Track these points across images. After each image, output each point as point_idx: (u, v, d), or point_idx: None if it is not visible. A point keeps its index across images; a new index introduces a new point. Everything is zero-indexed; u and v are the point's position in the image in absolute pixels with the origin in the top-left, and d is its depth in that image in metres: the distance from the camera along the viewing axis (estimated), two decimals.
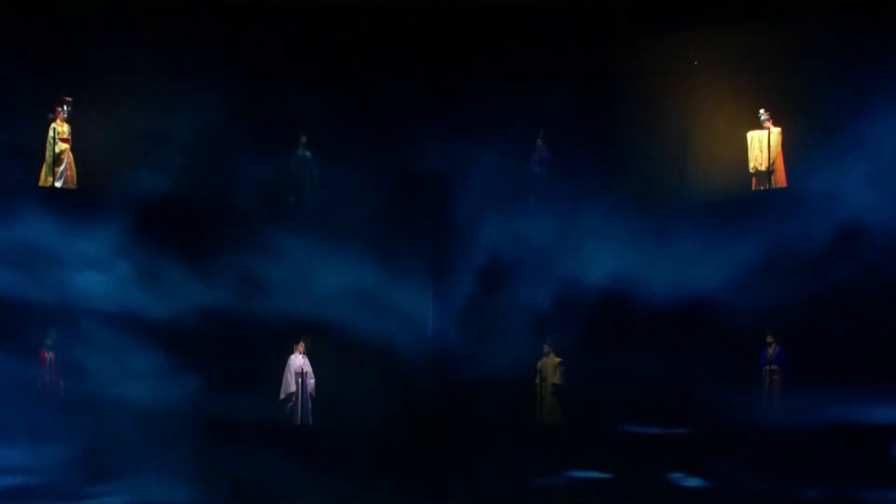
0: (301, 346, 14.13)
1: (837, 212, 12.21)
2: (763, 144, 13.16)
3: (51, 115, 13.06)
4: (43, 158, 13.12)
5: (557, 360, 14.11)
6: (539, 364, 14.22)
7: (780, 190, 13.15)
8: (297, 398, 14.04)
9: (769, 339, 12.89)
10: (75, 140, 13.26)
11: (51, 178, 13.13)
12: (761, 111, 13.14)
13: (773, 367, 12.90)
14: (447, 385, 14.72)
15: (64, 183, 13.22)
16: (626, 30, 13.84)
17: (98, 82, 13.25)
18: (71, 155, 13.28)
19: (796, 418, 12.55)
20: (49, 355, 12.95)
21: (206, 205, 13.99)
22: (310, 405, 14.12)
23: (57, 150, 13.13)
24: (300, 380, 14.07)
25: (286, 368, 14.12)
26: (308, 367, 14.14)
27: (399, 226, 14.81)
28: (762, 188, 13.27)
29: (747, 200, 13.26)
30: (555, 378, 14.11)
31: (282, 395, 14.08)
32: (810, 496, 12.26)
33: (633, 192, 13.91)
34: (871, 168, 12.13)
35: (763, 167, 13.19)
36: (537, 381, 14.22)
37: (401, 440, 14.25)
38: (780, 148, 13.14)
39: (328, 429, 14.09)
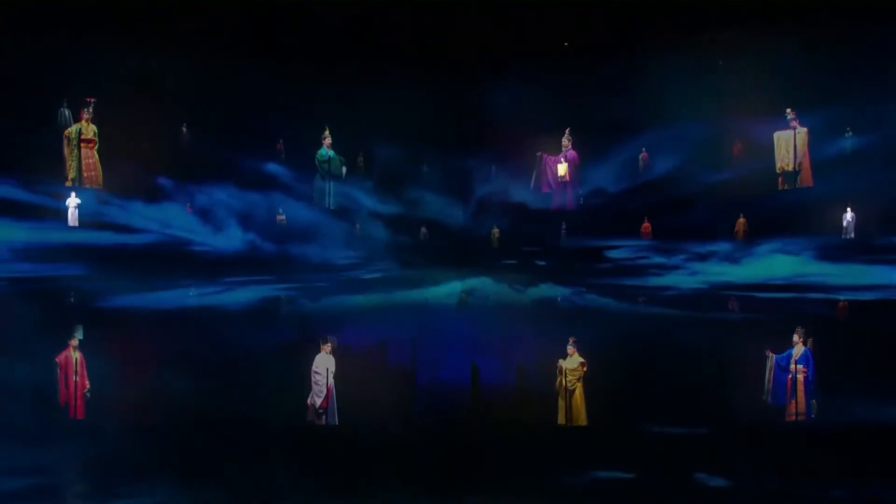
0: (328, 346, 14.12)
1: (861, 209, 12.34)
2: (790, 145, 13.15)
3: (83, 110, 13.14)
4: (70, 158, 13.19)
5: (580, 359, 14.12)
6: (562, 363, 14.23)
7: (807, 189, 13.17)
8: (326, 399, 14.06)
9: (796, 339, 12.91)
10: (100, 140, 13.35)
11: (75, 179, 13.18)
12: (787, 111, 13.13)
13: (799, 366, 12.92)
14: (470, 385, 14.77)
15: (90, 184, 13.27)
16: (650, 30, 13.83)
17: (122, 82, 13.32)
18: (96, 155, 13.32)
19: (821, 418, 12.60)
20: (76, 355, 13.02)
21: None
22: (335, 406, 14.15)
23: (79, 151, 13.20)
24: (328, 380, 14.09)
25: (313, 368, 14.10)
26: (334, 367, 14.16)
27: (421, 220, 14.87)
28: (787, 187, 13.28)
29: (773, 199, 13.29)
30: (578, 378, 14.10)
31: (312, 396, 14.07)
32: (835, 496, 12.27)
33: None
34: None
35: (790, 167, 13.19)
36: (560, 380, 14.23)
37: (424, 440, 14.25)
38: (806, 148, 13.15)
39: (354, 429, 14.08)
